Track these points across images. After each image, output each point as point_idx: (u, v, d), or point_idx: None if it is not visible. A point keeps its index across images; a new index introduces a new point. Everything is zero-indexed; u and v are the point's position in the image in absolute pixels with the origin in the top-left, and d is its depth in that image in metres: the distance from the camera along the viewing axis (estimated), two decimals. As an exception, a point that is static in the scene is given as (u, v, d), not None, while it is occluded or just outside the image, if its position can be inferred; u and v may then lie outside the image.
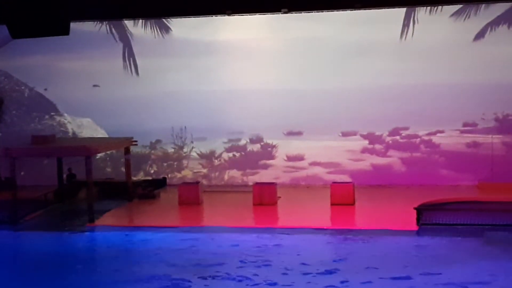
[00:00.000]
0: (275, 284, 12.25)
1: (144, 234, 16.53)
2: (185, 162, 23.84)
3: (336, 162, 22.75)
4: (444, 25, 21.50)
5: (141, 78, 23.66)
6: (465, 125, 21.93)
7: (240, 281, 12.46)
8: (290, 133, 23.11)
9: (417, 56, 21.52)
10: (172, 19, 22.73)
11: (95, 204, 18.56)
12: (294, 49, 22.44)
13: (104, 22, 23.38)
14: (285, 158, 23.18)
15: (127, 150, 21.25)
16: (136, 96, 23.46)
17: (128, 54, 23.81)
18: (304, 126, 22.83)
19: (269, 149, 23.35)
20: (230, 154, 23.57)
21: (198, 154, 23.75)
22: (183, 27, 22.99)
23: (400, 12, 21.60)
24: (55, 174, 21.43)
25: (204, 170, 23.67)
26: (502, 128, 21.62)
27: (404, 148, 22.35)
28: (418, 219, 16.42)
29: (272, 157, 23.32)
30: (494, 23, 21.37)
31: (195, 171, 23.70)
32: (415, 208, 16.67)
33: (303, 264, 13.40)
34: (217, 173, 23.63)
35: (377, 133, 22.50)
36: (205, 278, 12.67)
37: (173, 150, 23.90)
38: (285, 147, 23.17)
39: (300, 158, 23.06)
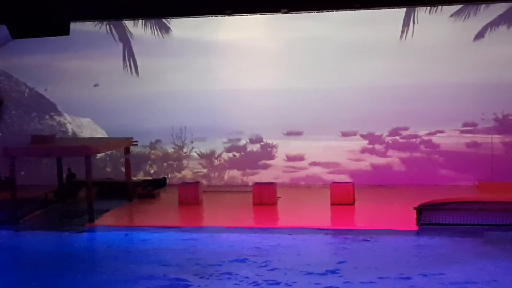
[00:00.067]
0: (275, 284, 12.25)
1: (144, 234, 16.54)
2: (185, 162, 23.85)
3: (336, 162, 22.76)
4: (444, 25, 21.51)
5: (141, 78, 23.67)
6: (465, 125, 21.94)
7: (240, 281, 12.46)
8: (290, 133, 23.12)
9: (417, 56, 21.53)
10: (172, 19, 22.73)
11: (95, 204, 18.55)
12: (294, 49, 22.45)
13: (104, 22, 23.38)
14: (285, 158, 23.19)
15: (127, 150, 21.24)
16: (136, 96, 23.47)
17: (128, 54, 23.82)
18: (304, 126, 22.84)
19: (269, 149, 23.35)
20: (230, 154, 23.58)
21: (198, 154, 23.76)
22: (183, 27, 22.99)
23: (400, 12, 21.60)
24: (55, 174, 21.43)
25: (204, 170, 23.67)
26: (502, 128, 21.62)
27: (404, 148, 22.36)
28: (417, 219, 16.42)
29: (272, 157, 23.32)
30: (494, 23, 21.38)
31: (195, 171, 23.71)
32: (415, 208, 16.68)
33: (303, 264, 13.40)
34: (217, 173, 23.63)
35: (377, 133, 22.50)
36: (204, 278, 12.67)
37: (173, 150, 23.90)
38: (285, 147, 23.18)
39: (300, 158, 23.06)
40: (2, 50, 23.42)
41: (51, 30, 9.02)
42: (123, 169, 21.89)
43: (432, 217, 16.57)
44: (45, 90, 24.29)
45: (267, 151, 23.34)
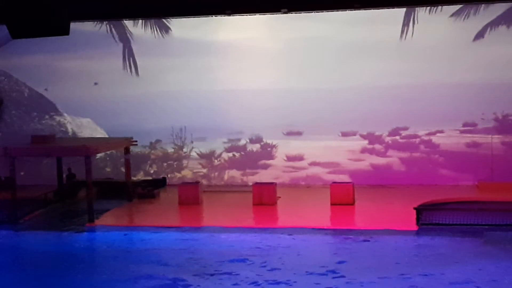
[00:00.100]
0: (275, 284, 12.25)
1: (144, 234, 16.54)
2: (185, 162, 23.85)
3: (335, 162, 22.76)
4: (444, 25, 21.51)
5: (141, 78, 23.67)
6: (464, 125, 21.93)
7: (240, 281, 12.46)
8: (290, 133, 23.12)
9: (417, 56, 21.53)
10: (172, 19, 22.73)
11: (94, 204, 18.55)
12: (294, 49, 22.45)
13: (104, 22, 23.39)
14: (285, 158, 23.19)
15: (126, 150, 21.24)
16: (136, 96, 23.47)
17: (128, 54, 23.82)
18: (304, 126, 22.84)
19: (269, 149, 23.36)
20: (230, 154, 23.58)
21: (198, 154, 23.76)
22: (183, 27, 22.99)
23: (400, 12, 21.61)
24: (54, 174, 21.43)
25: (204, 170, 23.68)
26: (502, 128, 21.63)
27: (403, 148, 22.36)
28: (417, 219, 16.42)
29: (271, 157, 23.32)
30: (494, 23, 21.38)
31: (195, 171, 23.71)
32: (414, 208, 16.67)
33: (303, 264, 13.41)
34: (216, 173, 23.64)
35: (376, 133, 22.51)
36: (204, 278, 12.67)
37: (173, 150, 23.90)
38: (285, 147, 23.18)
39: (299, 158, 23.07)
40: (2, 50, 23.42)
41: (51, 30, 9.02)
42: (123, 169, 21.90)
43: (432, 217, 16.58)
44: (46, 90, 24.27)
45: (267, 151, 23.35)
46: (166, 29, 23.30)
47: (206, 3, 16.97)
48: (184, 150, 23.77)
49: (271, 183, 20.20)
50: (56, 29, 9.02)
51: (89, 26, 22.87)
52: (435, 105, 21.63)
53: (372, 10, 19.56)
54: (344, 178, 21.73)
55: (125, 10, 16.93)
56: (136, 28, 23.55)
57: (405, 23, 21.83)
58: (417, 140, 22.27)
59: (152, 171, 24.04)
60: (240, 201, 20.17)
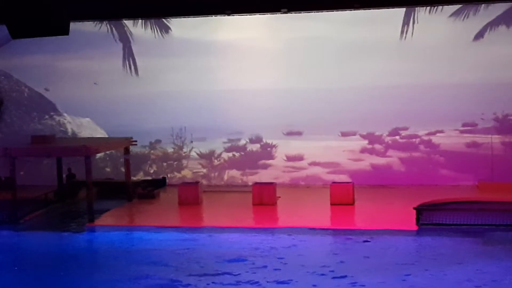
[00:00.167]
0: (275, 284, 12.25)
1: (144, 234, 16.53)
2: (184, 162, 23.84)
3: (335, 162, 22.76)
4: (443, 25, 21.50)
5: (140, 78, 23.66)
6: (464, 125, 21.93)
7: (240, 281, 12.46)
8: (290, 133, 23.11)
9: (417, 56, 21.52)
10: (172, 19, 22.73)
11: (94, 204, 18.55)
12: (294, 49, 22.45)
13: (104, 22, 23.39)
14: (285, 158, 23.19)
15: (126, 150, 21.24)
16: (135, 96, 23.46)
17: (128, 54, 23.81)
18: (304, 126, 22.83)
19: (269, 149, 23.35)
20: (230, 154, 23.57)
21: (197, 154, 23.75)
22: (183, 27, 22.99)
23: (400, 12, 21.61)
24: (54, 174, 21.43)
25: (204, 170, 23.67)
26: (501, 128, 21.62)
27: (403, 148, 22.35)
28: (417, 219, 16.42)
29: (271, 157, 23.32)
30: (493, 23, 21.37)
31: (194, 171, 23.70)
32: (414, 208, 16.67)
33: (303, 264, 13.41)
34: (216, 173, 23.63)
35: (376, 133, 22.50)
36: (204, 278, 12.66)
37: (172, 150, 23.90)
38: (285, 147, 23.18)
39: (299, 158, 23.06)
40: (2, 50, 23.41)
41: (51, 30, 9.02)
42: (123, 169, 21.89)
43: (432, 217, 16.57)
44: (47, 90, 24.26)
45: (267, 151, 23.34)
46: (166, 29, 23.29)
47: (206, 3, 16.99)
48: (184, 150, 23.77)
49: (271, 183, 20.20)
50: (56, 29, 9.02)
51: (89, 26, 22.87)
52: (435, 105, 21.63)
53: (372, 10, 19.59)
54: (344, 178, 21.73)
55: (125, 10, 16.96)
56: (136, 28, 23.55)
57: (405, 23, 21.82)
58: (417, 140, 22.27)
59: (152, 171, 24.03)
60: (240, 201, 20.17)
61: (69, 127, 24.35)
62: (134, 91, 23.48)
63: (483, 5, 20.94)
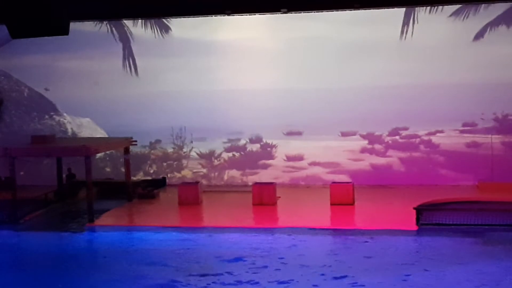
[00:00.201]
0: (275, 284, 12.25)
1: (144, 234, 16.54)
2: (184, 162, 23.85)
3: (335, 162, 22.76)
4: (443, 25, 21.51)
5: (140, 78, 23.66)
6: (464, 125, 21.93)
7: (239, 281, 12.45)
8: (290, 133, 23.12)
9: (417, 56, 21.53)
10: (172, 19, 22.73)
11: (94, 204, 18.55)
12: (294, 49, 22.45)
13: (104, 22, 23.39)
14: (285, 158, 23.19)
15: (126, 150, 21.25)
16: (135, 96, 23.46)
17: (128, 54, 23.81)
18: (304, 126, 22.84)
19: (269, 149, 23.35)
20: (230, 154, 23.58)
21: (197, 154, 23.75)
22: (183, 27, 22.99)
23: (400, 12, 21.60)
24: (54, 174, 21.44)
25: (204, 170, 23.68)
26: (501, 128, 21.62)
27: (403, 148, 22.35)
28: (417, 219, 16.42)
29: (271, 157, 23.32)
30: (493, 23, 21.37)
31: (194, 171, 23.71)
32: (414, 208, 16.67)
33: (303, 264, 13.41)
34: (216, 173, 23.63)
35: (376, 133, 22.50)
36: (204, 278, 12.65)
37: (172, 150, 23.90)
38: (285, 147, 23.18)
39: (299, 158, 23.07)
40: (2, 50, 23.42)
41: (51, 30, 9.02)
42: (123, 169, 21.89)
43: (432, 217, 16.57)
44: (47, 90, 24.25)
45: (267, 151, 23.34)
46: (166, 29, 23.30)
47: (206, 3, 16.98)
48: (184, 150, 23.77)
49: (271, 183, 20.21)
50: (56, 29, 9.02)
51: (89, 26, 22.87)
52: (435, 105, 21.64)
53: (372, 10, 19.59)
54: (344, 178, 21.73)
55: (125, 10, 16.95)
56: (136, 28, 23.56)
57: (405, 23, 21.82)
58: (417, 140, 22.27)
59: (152, 171, 24.03)
60: (240, 201, 20.17)
61: (69, 127, 24.36)
62: (134, 91, 23.48)
63: (483, 5, 20.94)
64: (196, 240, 15.80)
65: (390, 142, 22.44)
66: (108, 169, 24.11)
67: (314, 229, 16.38)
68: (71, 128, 24.34)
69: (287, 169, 23.15)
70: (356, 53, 21.97)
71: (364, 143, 22.60)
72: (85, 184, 18.76)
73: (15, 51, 22.98)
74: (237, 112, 22.86)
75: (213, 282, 12.43)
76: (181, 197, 20.00)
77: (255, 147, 23.41)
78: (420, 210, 16.64)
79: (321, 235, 16.02)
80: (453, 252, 14.04)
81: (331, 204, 18.93)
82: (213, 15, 20.35)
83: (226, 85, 22.78)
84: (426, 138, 22.19)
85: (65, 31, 9.13)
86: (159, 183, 22.77)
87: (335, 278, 12.49)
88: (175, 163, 23.91)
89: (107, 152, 23.24)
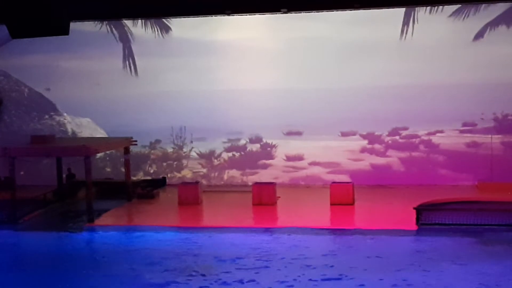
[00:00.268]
0: (275, 284, 12.25)
1: (143, 234, 16.53)
2: (184, 162, 23.85)
3: (335, 162, 22.76)
4: (443, 25, 21.52)
5: (140, 78, 23.67)
6: (464, 125, 21.95)
7: (239, 281, 12.45)
8: (290, 133, 23.12)
9: (417, 56, 21.54)
10: (172, 19, 22.74)
11: (94, 204, 18.54)
12: (294, 49, 22.46)
13: (104, 22, 23.40)
14: (285, 158, 23.19)
15: (126, 150, 21.24)
16: (135, 96, 23.47)
17: (128, 54, 23.82)
18: (304, 126, 22.84)
19: (269, 149, 23.36)
20: (230, 154, 23.58)
21: (197, 154, 23.76)
22: (183, 27, 23.00)
23: (400, 12, 21.62)
24: (54, 174, 21.42)
25: (204, 170, 23.68)
26: (501, 128, 21.63)
27: (403, 148, 22.36)
28: (417, 219, 16.43)
29: (271, 157, 23.33)
30: (493, 23, 21.38)
31: (194, 171, 23.71)
32: (414, 208, 16.67)
33: (303, 264, 13.41)
34: (216, 173, 23.63)
35: (376, 133, 22.51)
36: (204, 278, 12.66)
37: (172, 150, 23.90)
38: (285, 147, 23.19)
39: (299, 158, 23.07)
40: (2, 50, 23.41)
41: (51, 30, 9.01)
42: (123, 169, 21.89)
43: (431, 217, 16.57)
44: (48, 90, 24.25)
45: (267, 151, 23.35)
46: (166, 29, 23.30)
47: (206, 3, 16.97)
48: (184, 150, 23.77)
49: (271, 183, 20.21)
50: (56, 29, 9.01)
51: (89, 26, 22.88)
52: (435, 105, 21.65)
53: (372, 10, 19.59)
54: (344, 178, 21.74)
55: (125, 10, 16.93)
56: (136, 28, 23.57)
57: (405, 23, 21.83)
58: (417, 140, 22.28)
59: (151, 171, 24.04)
60: (240, 201, 20.17)
61: (69, 127, 24.36)
62: (134, 91, 23.49)
63: (483, 5, 20.94)
64: (196, 240, 15.79)
65: (390, 142, 22.45)
66: (108, 169, 24.11)
67: (314, 229, 16.37)
68: (71, 128, 24.34)
69: (287, 169, 23.16)
70: (356, 53, 21.98)
71: (364, 143, 22.60)
72: (85, 184, 18.76)
73: (15, 51, 22.98)
74: (237, 112, 22.86)
75: (212, 282, 12.43)
76: (181, 197, 20.00)
77: (255, 147, 23.41)
78: (420, 210, 16.65)
79: (321, 235, 16.02)
80: (453, 252, 14.05)
81: (331, 204, 18.93)
82: (213, 15, 20.36)
83: (226, 85, 22.78)
84: (426, 138, 22.20)
85: (65, 31, 9.12)
86: (159, 183, 22.76)
87: (335, 278, 12.49)
88: (175, 163, 23.91)
89: (107, 152, 23.24)
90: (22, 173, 21.53)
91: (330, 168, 22.75)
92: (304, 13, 20.23)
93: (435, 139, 22.13)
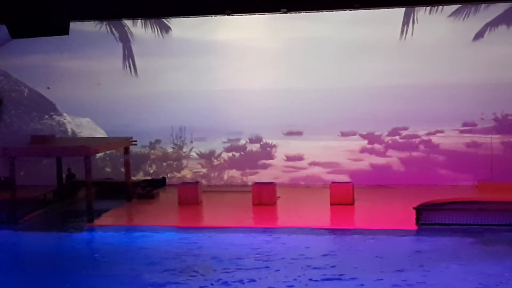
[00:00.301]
0: (275, 284, 12.25)
1: (143, 234, 16.53)
2: (184, 162, 23.85)
3: (335, 162, 22.76)
4: (443, 25, 21.52)
5: (140, 78, 23.67)
6: (464, 125, 21.95)
7: (239, 280, 12.45)
8: (290, 133, 23.12)
9: (417, 56, 21.54)
10: (172, 19, 22.74)
11: (94, 204, 18.53)
12: (294, 49, 22.45)
13: (104, 22, 23.40)
14: (285, 158, 23.19)
15: (126, 150, 21.24)
16: (135, 95, 23.47)
17: (128, 54, 23.82)
18: (304, 126, 22.84)
19: (269, 149, 23.36)
20: (230, 154, 23.58)
21: (197, 154, 23.76)
22: (183, 27, 23.00)
23: (400, 12, 21.62)
24: (54, 174, 21.43)
25: (204, 170, 23.68)
26: (501, 128, 21.63)
27: (403, 148, 22.36)
28: (417, 219, 16.42)
29: (271, 157, 23.33)
30: (493, 23, 21.38)
31: (194, 171, 23.71)
32: (414, 208, 16.67)
33: (303, 264, 13.40)
34: (216, 173, 23.63)
35: (376, 133, 22.51)
36: (204, 278, 12.66)
37: (172, 150, 23.90)
38: (285, 147, 23.18)
39: (299, 158, 23.07)
40: (2, 50, 23.41)
41: (51, 30, 9.01)
42: (123, 169, 21.89)
43: (431, 217, 16.57)
44: (48, 88, 24.24)
45: (267, 151, 23.35)
46: (166, 29, 23.30)
47: (206, 3, 16.98)
48: (184, 150, 23.77)
49: (271, 183, 20.20)
50: (56, 29, 9.01)
51: (89, 26, 22.88)
52: (435, 105, 21.65)
53: (372, 10, 19.59)
54: (344, 178, 21.73)
55: (125, 10, 16.95)
56: (136, 28, 23.57)
57: (405, 23, 21.84)
58: (417, 140, 22.28)
59: (151, 171, 24.03)
60: (239, 201, 20.16)
61: (69, 127, 24.36)
62: (134, 91, 23.49)
63: (483, 5, 20.94)
64: (196, 240, 15.79)
65: (389, 142, 22.45)
66: (108, 169, 24.11)
67: (314, 229, 16.37)
68: (71, 128, 24.34)
69: (287, 169, 23.16)
70: (356, 53, 21.98)
71: (364, 143, 22.61)
72: (85, 184, 18.76)
73: (15, 51, 22.98)
74: (237, 112, 22.86)
75: (212, 282, 12.43)
76: (181, 197, 20.00)
77: (255, 147, 23.41)
78: (419, 210, 16.64)
79: (321, 235, 16.02)
80: (453, 252, 14.05)
81: (331, 204, 18.93)
82: (213, 15, 20.36)
83: (226, 85, 22.78)
84: (425, 138, 22.20)
85: (65, 31, 9.13)
86: (159, 183, 22.76)
87: (335, 278, 12.49)
88: (175, 163, 23.91)
89: (107, 152, 23.23)
90: (22, 173, 21.53)
91: (330, 168, 22.75)
92: (304, 13, 20.24)
93: (435, 139, 22.13)
